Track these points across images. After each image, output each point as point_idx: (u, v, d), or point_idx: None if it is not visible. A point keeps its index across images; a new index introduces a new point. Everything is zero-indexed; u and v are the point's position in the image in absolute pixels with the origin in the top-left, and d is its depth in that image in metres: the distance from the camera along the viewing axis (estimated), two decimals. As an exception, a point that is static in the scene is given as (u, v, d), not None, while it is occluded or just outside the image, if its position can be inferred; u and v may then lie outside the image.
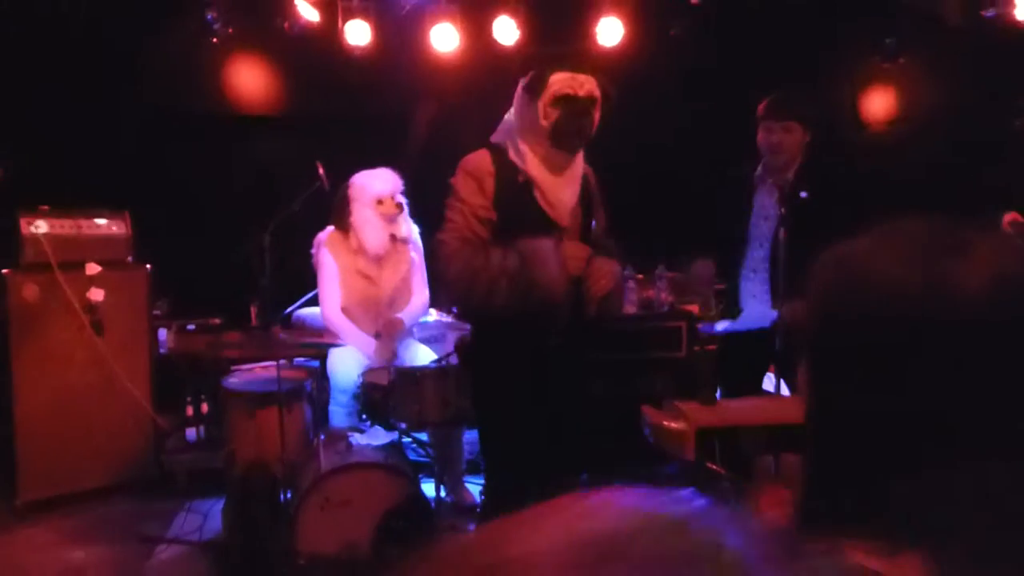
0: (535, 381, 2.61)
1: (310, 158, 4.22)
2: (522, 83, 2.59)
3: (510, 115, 2.66)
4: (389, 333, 3.84)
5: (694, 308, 4.14)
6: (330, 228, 3.99)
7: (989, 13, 4.79)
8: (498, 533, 0.43)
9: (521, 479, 2.60)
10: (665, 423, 2.52)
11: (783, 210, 3.18)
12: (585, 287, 2.59)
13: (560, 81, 2.53)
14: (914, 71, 5.48)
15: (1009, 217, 3.40)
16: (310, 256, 4.08)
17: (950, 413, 0.71)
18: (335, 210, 3.95)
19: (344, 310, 3.92)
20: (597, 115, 2.60)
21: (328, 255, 3.92)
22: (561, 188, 2.63)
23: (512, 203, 2.57)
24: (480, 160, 2.61)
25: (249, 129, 5.50)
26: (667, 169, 5.32)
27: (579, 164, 2.69)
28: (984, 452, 0.70)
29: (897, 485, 0.73)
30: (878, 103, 5.63)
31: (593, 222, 2.76)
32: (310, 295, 4.46)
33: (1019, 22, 4.78)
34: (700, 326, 3.63)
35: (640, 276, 4.07)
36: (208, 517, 3.71)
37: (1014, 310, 0.71)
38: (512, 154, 2.62)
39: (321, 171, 4.12)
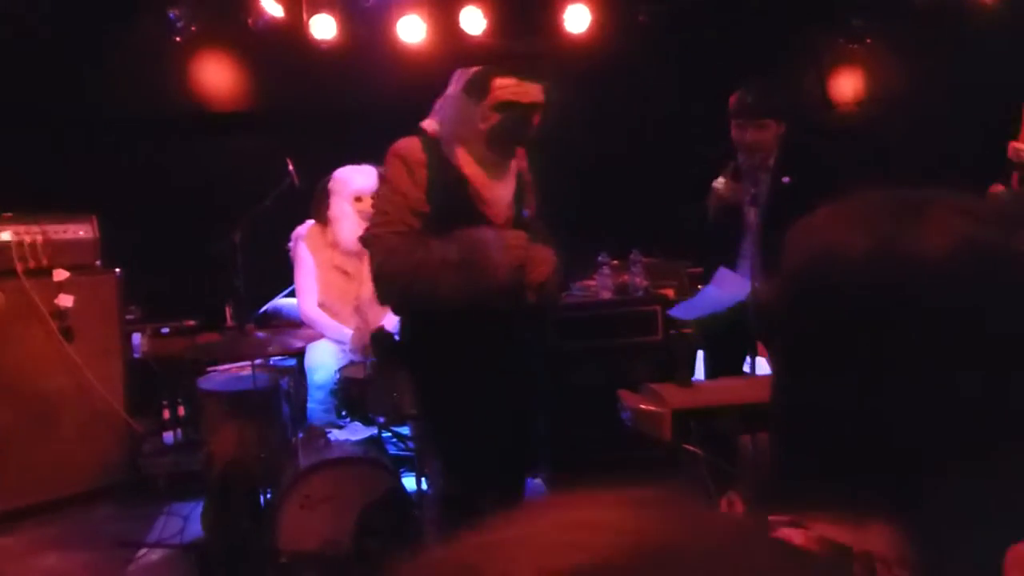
0: (485, 374, 2.53)
1: (279, 155, 4.18)
2: (462, 81, 2.48)
3: (445, 106, 2.54)
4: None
5: (669, 292, 4.16)
6: (309, 221, 3.96)
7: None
8: (480, 551, 0.41)
9: (475, 478, 2.52)
10: (641, 406, 2.52)
11: (753, 190, 3.19)
12: (524, 274, 2.51)
13: (504, 87, 2.41)
14: (881, 51, 5.52)
15: (1014, 144, 3.39)
16: (284, 252, 4.05)
17: (915, 381, 0.71)
18: (315, 202, 3.93)
19: (321, 305, 3.90)
20: (538, 121, 2.51)
21: (305, 249, 3.89)
22: (496, 186, 2.55)
23: (446, 197, 2.46)
24: (412, 148, 2.48)
25: (217, 127, 5.44)
26: (638, 154, 5.32)
27: (514, 161, 2.62)
28: (952, 419, 0.70)
29: (864, 456, 0.73)
30: (846, 84, 5.67)
31: (525, 211, 2.67)
32: (287, 291, 4.43)
33: (985, 1, 4.83)
34: (671, 311, 3.62)
35: (615, 261, 4.07)
36: (188, 520, 3.68)
37: (974, 273, 0.71)
38: (446, 144, 2.51)
39: (291, 167, 4.08)
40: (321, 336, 3.82)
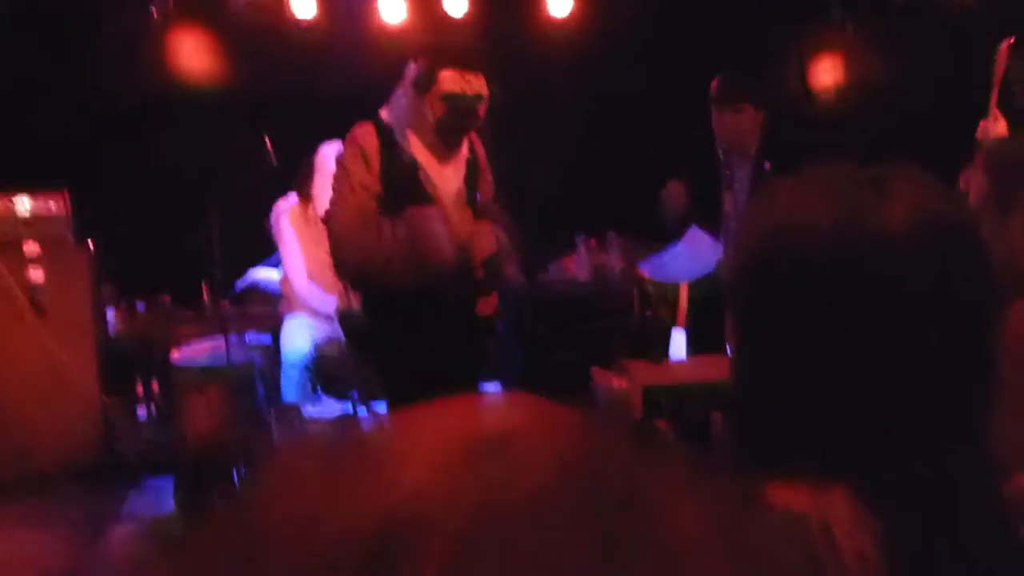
0: (437, 351, 2.59)
1: (257, 132, 4.14)
2: (410, 76, 2.61)
3: (397, 96, 2.68)
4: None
5: (645, 273, 4.18)
6: (291, 197, 3.94)
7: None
8: (376, 432, 0.39)
9: None
10: (613, 383, 2.54)
11: (727, 173, 3.21)
12: (469, 251, 2.64)
13: (449, 79, 2.55)
14: (861, 38, 5.54)
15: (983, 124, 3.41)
16: (261, 229, 4.02)
17: (873, 350, 0.72)
18: (300, 180, 3.90)
19: (308, 278, 3.88)
20: (483, 111, 2.64)
21: (289, 224, 3.87)
22: (446, 172, 2.69)
23: (397, 181, 2.59)
24: (366, 134, 2.62)
25: (194, 104, 5.38)
26: (617, 136, 5.32)
27: (464, 146, 2.74)
28: (908, 386, 0.71)
29: (823, 423, 0.73)
30: (826, 72, 5.69)
31: (477, 195, 2.79)
32: (266, 261, 4.39)
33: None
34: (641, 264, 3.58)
35: (592, 242, 4.09)
36: (163, 495, 3.66)
37: (933, 245, 0.72)
38: (398, 132, 2.64)
39: (269, 145, 4.05)
40: (299, 310, 3.81)
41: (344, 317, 3.10)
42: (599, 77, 5.50)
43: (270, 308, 4.03)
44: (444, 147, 2.65)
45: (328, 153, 3.83)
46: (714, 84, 3.30)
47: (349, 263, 2.56)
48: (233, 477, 3.27)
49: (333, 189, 2.61)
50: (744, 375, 0.80)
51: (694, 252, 3.30)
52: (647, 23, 5.48)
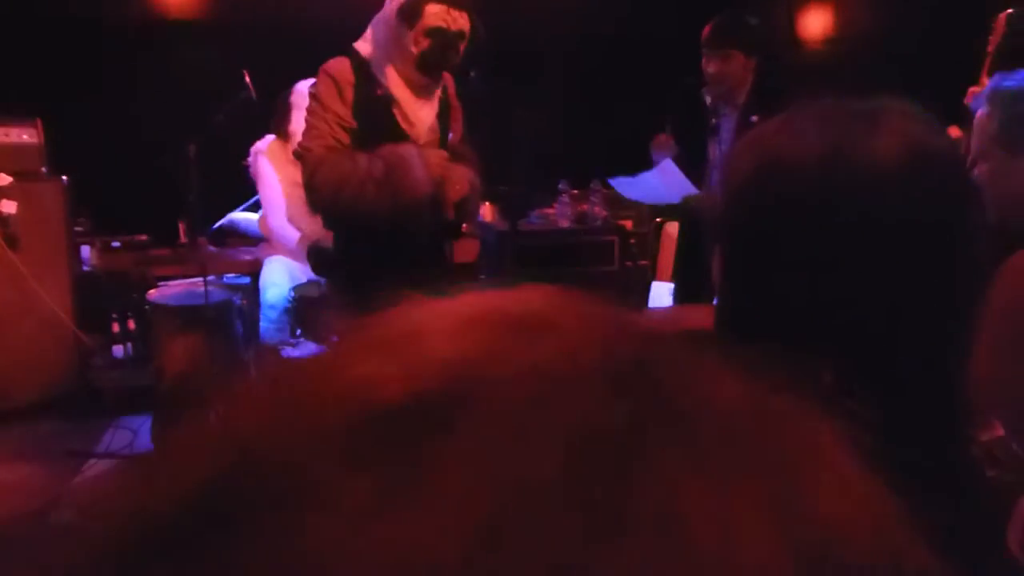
0: (405, 289, 2.59)
1: (236, 66, 4.04)
2: (395, 6, 2.60)
3: (378, 28, 2.67)
4: None
5: (628, 223, 4.17)
6: (269, 136, 3.86)
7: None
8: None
9: None
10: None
11: (714, 121, 3.19)
12: (442, 191, 2.67)
13: (435, 14, 2.56)
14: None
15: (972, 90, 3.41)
16: (240, 167, 3.95)
17: (861, 283, 0.72)
18: (275, 117, 3.82)
19: (288, 220, 3.83)
20: (463, 48, 2.65)
21: (267, 163, 3.80)
22: (421, 107, 2.70)
23: (370, 116, 2.62)
24: (341, 68, 2.62)
25: (172, 34, 5.24)
26: (602, 84, 5.26)
27: (438, 84, 2.76)
28: (898, 322, 0.72)
29: (811, 365, 0.74)
30: (814, 21, 5.64)
31: (450, 133, 2.83)
32: (244, 206, 4.34)
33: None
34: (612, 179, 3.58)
35: (575, 191, 4.06)
36: (138, 433, 3.67)
37: (925, 179, 0.71)
38: (375, 66, 2.64)
39: (248, 80, 3.95)
40: (279, 252, 3.78)
41: (313, 252, 3.09)
42: (586, 22, 5.41)
43: (249, 248, 3.98)
44: (422, 83, 2.66)
45: (304, 90, 3.75)
46: (706, 29, 3.26)
47: (324, 192, 2.56)
48: (210, 417, 3.28)
49: (306, 122, 2.63)
50: (729, 312, 0.80)
51: (662, 181, 3.31)
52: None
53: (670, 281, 3.89)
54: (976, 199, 0.75)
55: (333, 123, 2.58)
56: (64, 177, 4.20)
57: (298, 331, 3.57)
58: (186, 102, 4.53)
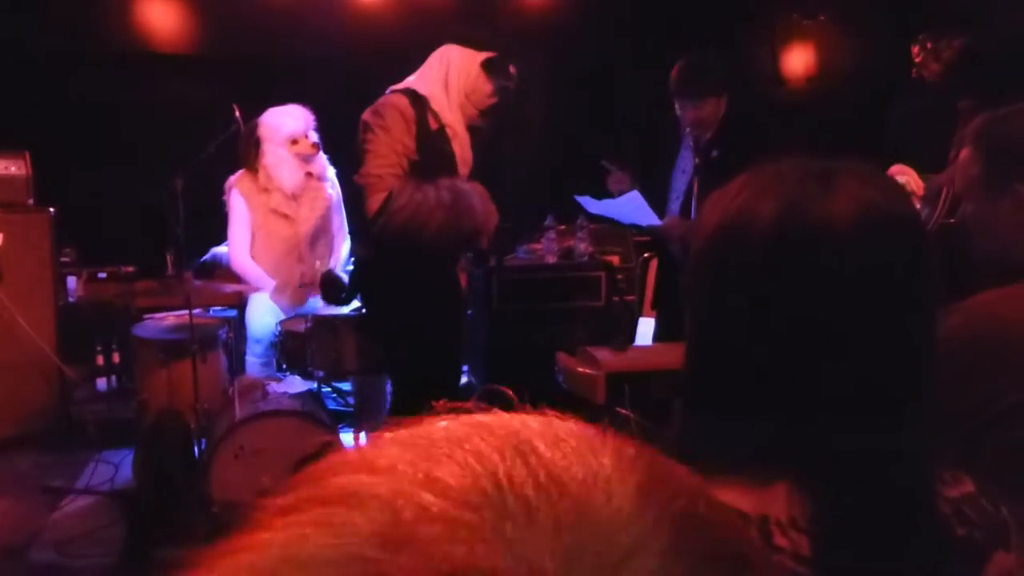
0: (438, 306, 2.99)
1: (226, 100, 4.07)
2: (476, 59, 2.95)
3: (441, 69, 2.97)
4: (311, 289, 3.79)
5: (614, 259, 4.19)
6: (240, 171, 3.88)
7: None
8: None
9: (422, 400, 2.76)
10: (577, 368, 2.56)
11: (696, 161, 3.23)
12: (486, 222, 2.98)
13: (513, 74, 3.00)
14: (833, 28, 5.58)
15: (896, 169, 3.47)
16: (224, 202, 3.95)
17: (815, 342, 0.73)
18: (243, 150, 3.84)
19: (265, 251, 3.83)
20: None
21: (239, 198, 3.81)
22: (468, 146, 3.05)
23: (430, 149, 2.89)
24: (404, 104, 2.89)
25: (162, 68, 5.27)
26: (587, 120, 5.32)
27: None
28: (855, 377, 0.73)
29: (770, 415, 0.75)
30: (798, 60, 5.73)
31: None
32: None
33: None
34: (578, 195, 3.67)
35: (561, 227, 4.09)
36: (120, 467, 3.63)
37: (878, 241, 0.73)
38: (436, 104, 2.93)
39: (238, 114, 3.97)
40: (255, 288, 3.78)
41: (328, 281, 3.33)
42: (573, 59, 5.48)
43: (234, 282, 3.98)
44: (475, 124, 3.03)
45: (271, 122, 3.77)
46: (674, 73, 3.29)
47: (397, 217, 2.76)
48: (193, 450, 3.26)
49: (368, 150, 2.83)
50: (690, 365, 0.81)
51: (628, 208, 3.40)
52: (620, 9, 5.46)
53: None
54: (930, 259, 0.77)
55: (401, 153, 2.84)
56: (51, 209, 4.19)
57: (284, 365, 3.55)
58: (174, 135, 4.55)
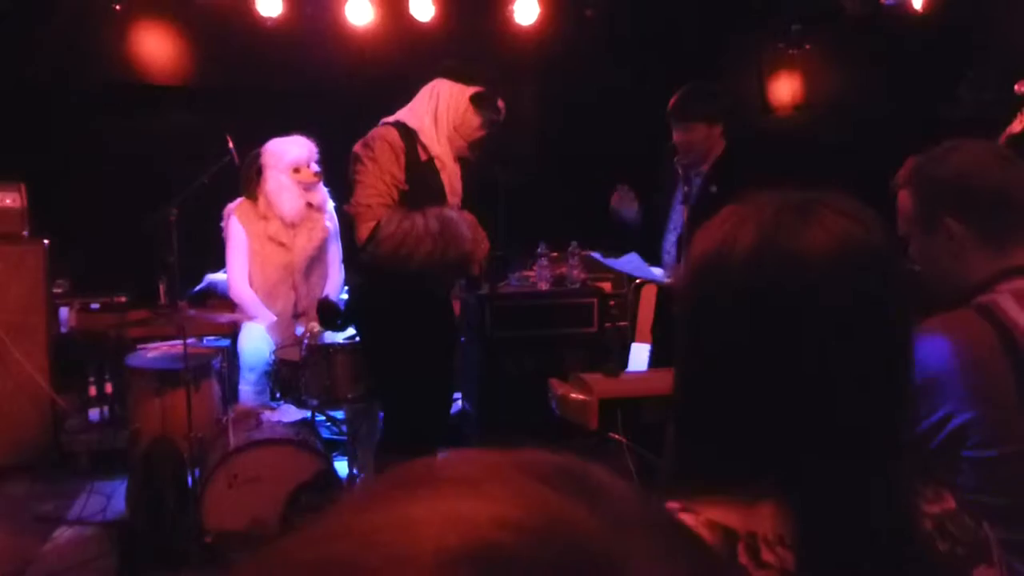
0: (433, 334, 3.05)
1: (219, 131, 4.10)
2: (466, 93, 3.02)
3: (431, 102, 3.04)
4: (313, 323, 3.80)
5: (606, 285, 4.22)
6: (239, 199, 3.91)
7: (889, 1, 5.00)
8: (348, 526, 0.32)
9: (418, 431, 2.91)
10: (570, 395, 2.57)
11: (685, 189, 3.29)
12: (475, 249, 3.05)
13: (501, 108, 3.07)
14: (819, 57, 5.67)
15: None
16: (220, 230, 3.98)
17: (794, 374, 0.76)
18: (245, 178, 3.87)
19: (260, 278, 3.85)
20: None
21: (237, 224, 3.83)
22: (458, 176, 3.12)
23: (419, 179, 2.97)
24: (393, 136, 2.96)
25: (155, 100, 5.31)
26: (579, 146, 5.38)
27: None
28: (833, 403, 0.75)
29: (750, 439, 0.77)
30: (784, 88, 5.81)
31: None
32: (224, 268, 4.35)
33: (916, 10, 5.01)
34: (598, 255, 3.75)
35: (554, 254, 4.12)
36: (112, 498, 3.62)
37: (849, 270, 0.76)
38: (425, 136, 3.00)
39: (231, 144, 4.01)
40: (250, 316, 3.79)
41: (325, 308, 3.30)
42: (564, 86, 5.55)
43: (228, 310, 3.99)
44: (464, 156, 3.11)
45: (275, 150, 3.82)
46: (672, 100, 3.37)
47: (386, 245, 2.84)
48: (187, 479, 3.25)
49: (358, 182, 2.90)
50: (679, 391, 0.84)
51: (630, 267, 3.53)
52: (611, 36, 5.55)
53: (650, 342, 3.93)
54: (904, 290, 0.79)
55: (390, 183, 2.91)
56: (45, 240, 4.21)
57: (277, 394, 3.55)
58: (168, 166, 4.58)
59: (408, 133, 2.99)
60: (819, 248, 0.75)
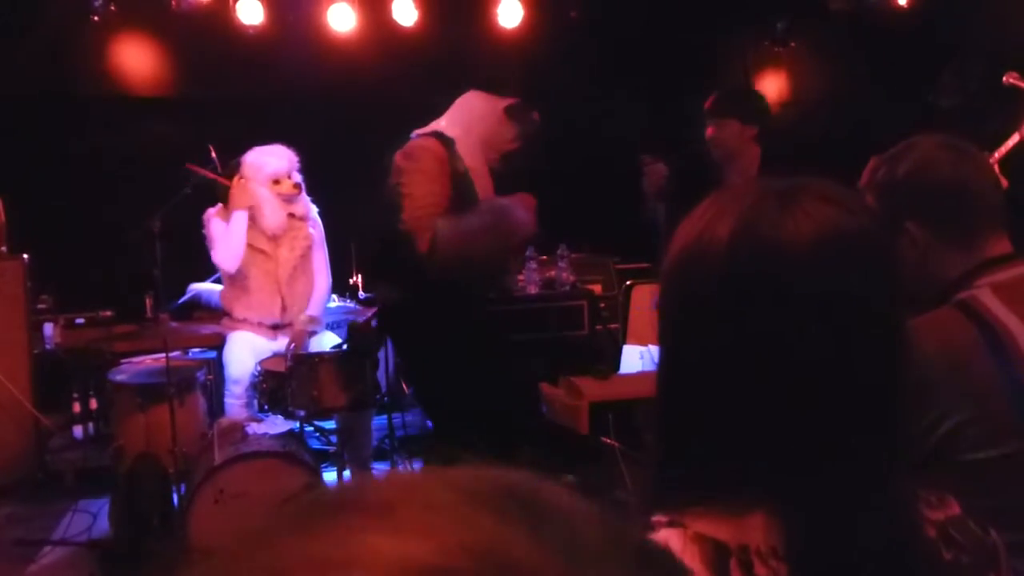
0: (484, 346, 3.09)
1: (202, 141, 4.06)
2: (500, 105, 3.10)
3: (464, 114, 3.11)
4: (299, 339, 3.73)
5: (596, 287, 4.19)
6: (219, 205, 3.85)
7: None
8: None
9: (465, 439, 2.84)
10: (560, 399, 2.53)
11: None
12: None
13: (535, 121, 3.16)
14: (804, 55, 5.66)
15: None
16: (203, 239, 3.92)
17: (778, 369, 0.71)
18: (223, 191, 3.81)
19: (245, 285, 3.78)
20: None
21: (218, 222, 3.77)
22: (490, 189, 3.16)
23: (459, 189, 3.00)
24: (434, 144, 3.01)
25: (136, 111, 5.26)
26: (566, 149, 5.34)
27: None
28: (820, 401, 0.71)
29: (742, 442, 0.73)
30: (770, 86, 5.80)
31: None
32: (213, 277, 4.29)
33: (900, 5, 5.00)
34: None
35: (542, 257, 4.08)
36: (98, 516, 3.54)
37: (834, 259, 0.71)
38: (460, 147, 3.03)
39: (213, 154, 3.97)
40: (238, 327, 3.74)
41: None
42: (550, 88, 5.52)
43: (213, 322, 3.93)
44: (495, 166, 3.15)
45: (254, 162, 3.76)
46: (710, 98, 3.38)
47: (447, 251, 2.83)
48: (172, 496, 3.18)
49: (406, 194, 2.90)
50: (661, 394, 0.80)
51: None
52: (595, 38, 5.52)
53: (641, 344, 3.89)
54: (894, 280, 0.75)
55: (439, 193, 2.91)
56: (25, 256, 4.14)
57: (264, 406, 3.50)
58: (150, 177, 4.53)
59: (447, 142, 3.01)
60: (801, 237, 0.71)
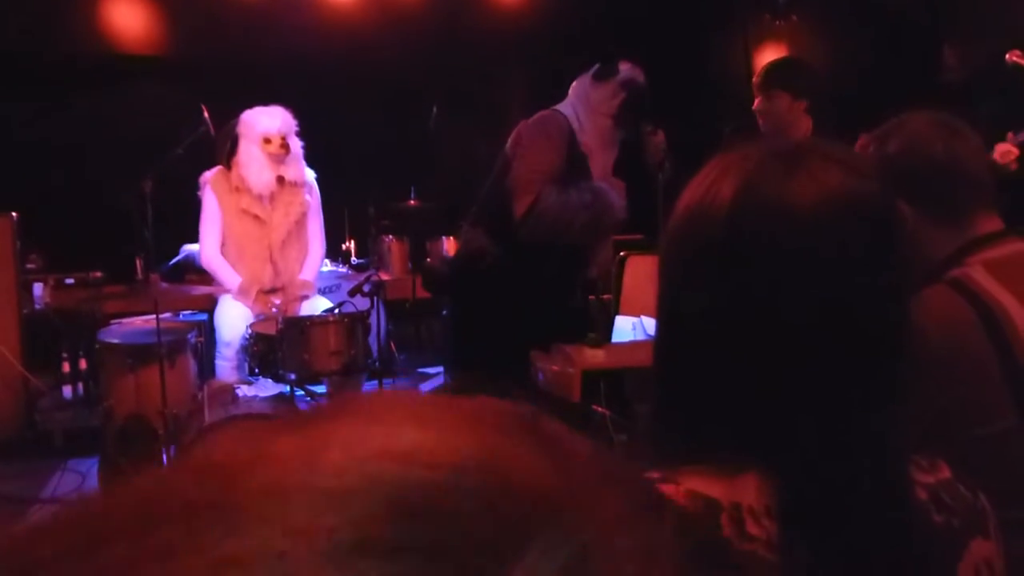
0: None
1: (193, 101, 4.00)
2: (588, 74, 3.16)
3: (572, 100, 3.18)
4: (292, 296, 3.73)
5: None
6: (216, 168, 3.81)
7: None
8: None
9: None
10: (552, 367, 2.52)
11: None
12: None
13: (627, 69, 3.15)
14: (805, 28, 5.61)
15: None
16: (197, 201, 3.89)
17: (776, 330, 0.70)
18: (219, 146, 3.78)
19: (235, 252, 3.77)
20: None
21: (211, 195, 3.75)
22: (606, 159, 3.21)
23: (573, 164, 3.08)
24: (563, 119, 3.12)
25: (128, 70, 5.19)
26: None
27: (625, 136, 3.25)
28: (818, 365, 0.70)
29: (733, 402, 0.72)
30: (770, 56, 5.75)
31: None
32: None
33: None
34: None
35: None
36: (87, 476, 3.54)
37: (839, 223, 0.70)
38: (575, 124, 3.11)
39: (206, 115, 3.91)
40: (222, 284, 3.73)
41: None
42: (551, 63, 5.47)
43: (204, 283, 3.91)
44: (614, 134, 3.18)
45: (249, 120, 3.72)
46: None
47: (546, 217, 2.93)
48: (162, 457, 3.18)
49: (521, 155, 3.01)
50: (659, 355, 0.79)
51: None
52: (596, 7, 5.46)
53: (633, 315, 3.88)
54: (899, 244, 0.74)
55: (551, 162, 3.01)
56: (14, 214, 4.10)
57: (255, 369, 3.48)
58: (142, 137, 4.48)
59: (568, 121, 3.12)
60: (805, 198, 0.69)
